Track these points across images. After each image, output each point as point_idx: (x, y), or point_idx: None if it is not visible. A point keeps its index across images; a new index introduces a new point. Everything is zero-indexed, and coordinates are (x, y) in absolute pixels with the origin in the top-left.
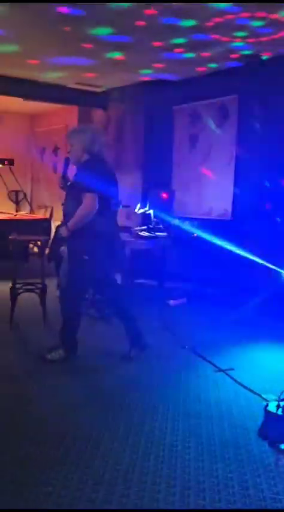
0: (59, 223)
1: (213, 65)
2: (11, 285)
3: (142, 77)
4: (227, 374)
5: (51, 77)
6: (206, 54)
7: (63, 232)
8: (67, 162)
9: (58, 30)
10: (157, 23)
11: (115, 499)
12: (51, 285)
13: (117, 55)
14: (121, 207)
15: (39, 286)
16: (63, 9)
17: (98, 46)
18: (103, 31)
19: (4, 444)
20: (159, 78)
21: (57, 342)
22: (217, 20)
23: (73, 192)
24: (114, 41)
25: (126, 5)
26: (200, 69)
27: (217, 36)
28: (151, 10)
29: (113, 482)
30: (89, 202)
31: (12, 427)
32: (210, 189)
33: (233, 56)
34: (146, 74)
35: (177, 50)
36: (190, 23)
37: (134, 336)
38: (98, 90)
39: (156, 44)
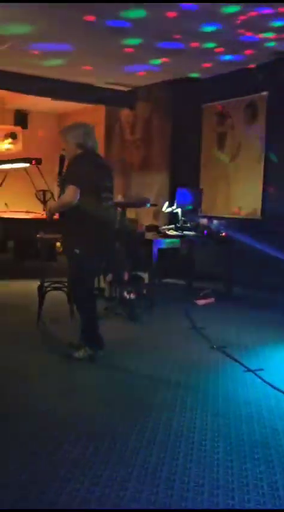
0: None
1: (242, 62)
2: (39, 283)
3: (175, 76)
4: (256, 374)
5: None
6: (240, 53)
7: (47, 214)
8: (62, 159)
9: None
10: (184, 25)
11: (143, 497)
12: None
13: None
14: (148, 205)
15: (67, 284)
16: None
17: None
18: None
19: (33, 442)
20: (192, 77)
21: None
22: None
23: (63, 187)
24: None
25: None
26: (233, 67)
27: (245, 33)
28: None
29: (141, 480)
30: (69, 193)
31: (39, 425)
32: (238, 188)
33: (261, 52)
34: (182, 75)
35: (213, 51)
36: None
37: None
38: (125, 89)
39: (193, 45)
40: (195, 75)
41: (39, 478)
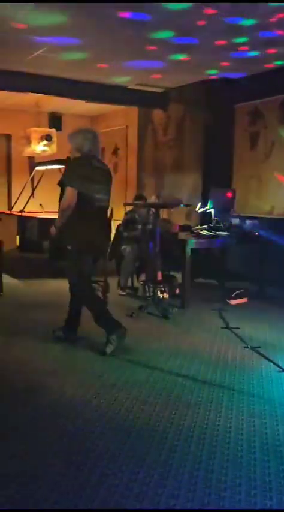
0: (119, 222)
1: (279, 62)
2: None
3: (207, 76)
4: None
5: (120, 81)
6: (271, 50)
7: (52, 230)
8: (68, 162)
9: (123, 35)
10: (218, 22)
11: (181, 494)
12: (113, 282)
13: (182, 56)
14: (182, 206)
15: (102, 283)
16: (125, 14)
17: (162, 48)
18: (165, 34)
19: (72, 438)
20: (225, 76)
21: (104, 334)
22: (280, 15)
23: (62, 189)
24: (178, 43)
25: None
26: (266, 66)
27: (281, 32)
28: (210, 10)
29: (179, 478)
30: (68, 195)
31: (76, 422)
32: (271, 187)
33: None
34: (212, 74)
35: (241, 48)
36: (251, 21)
37: (71, 324)
38: (158, 90)
39: (219, 43)
40: (212, 72)
41: (78, 474)
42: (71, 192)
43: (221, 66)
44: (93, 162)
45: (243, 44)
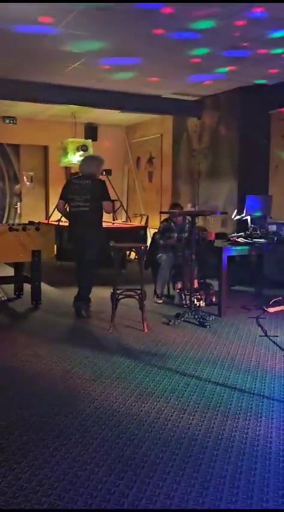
0: (155, 231)
1: None
2: (111, 290)
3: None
4: None
5: (147, 92)
6: None
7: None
8: None
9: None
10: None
11: (222, 504)
12: (150, 290)
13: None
14: (218, 213)
15: (139, 292)
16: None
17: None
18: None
19: (112, 446)
20: (259, 83)
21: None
22: None
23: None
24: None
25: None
26: None
27: None
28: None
29: (220, 488)
30: (57, 204)
31: (117, 429)
32: None
33: None
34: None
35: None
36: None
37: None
38: (192, 98)
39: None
40: (262, 81)
41: (118, 481)
42: (58, 201)
43: (261, 75)
44: (78, 178)
45: (281, 52)
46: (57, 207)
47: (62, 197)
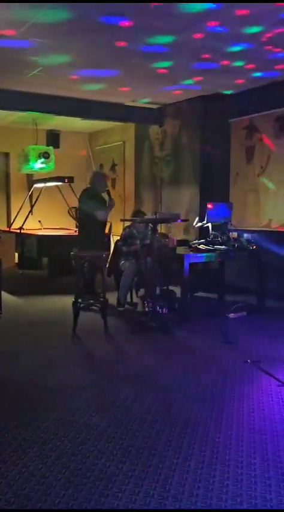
0: (118, 238)
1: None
2: (73, 299)
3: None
4: None
5: (110, 100)
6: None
7: None
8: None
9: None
10: (212, 46)
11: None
12: (112, 298)
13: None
14: (179, 221)
15: (101, 300)
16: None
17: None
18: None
19: (74, 456)
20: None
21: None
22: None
23: None
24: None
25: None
26: (263, 82)
27: (273, 49)
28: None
29: (179, 497)
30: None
31: (77, 440)
32: (269, 200)
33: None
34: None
35: (247, 67)
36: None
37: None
38: (154, 106)
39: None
40: (227, 92)
41: (79, 494)
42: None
43: (225, 86)
44: (88, 192)
45: (243, 65)
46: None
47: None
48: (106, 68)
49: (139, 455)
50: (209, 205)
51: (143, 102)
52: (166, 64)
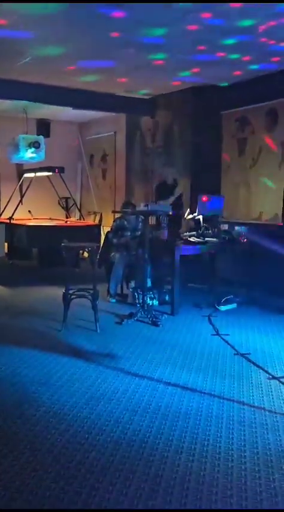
0: (108, 229)
1: (255, 67)
2: (64, 290)
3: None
4: (281, 381)
5: (102, 90)
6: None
7: None
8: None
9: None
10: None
11: (172, 507)
12: (103, 289)
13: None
14: (171, 213)
15: (91, 291)
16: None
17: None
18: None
19: (63, 449)
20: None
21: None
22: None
23: None
24: (155, 43)
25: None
26: (258, 73)
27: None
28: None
29: (170, 490)
30: None
31: (68, 434)
32: (259, 193)
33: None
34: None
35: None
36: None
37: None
38: (146, 97)
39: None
40: (224, 84)
41: (70, 487)
42: None
43: (222, 78)
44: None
45: (239, 57)
46: None
47: None
48: (102, 59)
49: (129, 448)
50: (204, 198)
51: (141, 93)
52: (162, 56)
